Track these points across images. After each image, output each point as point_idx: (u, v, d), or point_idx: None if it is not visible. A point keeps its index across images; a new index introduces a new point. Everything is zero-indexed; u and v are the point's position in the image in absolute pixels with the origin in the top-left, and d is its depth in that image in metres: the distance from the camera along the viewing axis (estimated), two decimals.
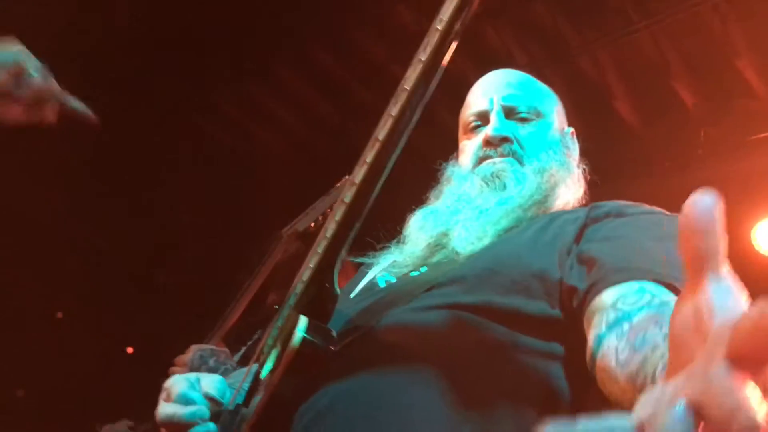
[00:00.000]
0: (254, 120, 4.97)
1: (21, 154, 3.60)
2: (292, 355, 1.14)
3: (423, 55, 1.17)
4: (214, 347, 2.57)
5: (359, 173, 1.23)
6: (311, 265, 1.30)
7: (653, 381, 0.81)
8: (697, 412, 0.50)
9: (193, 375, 1.35)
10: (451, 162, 1.74)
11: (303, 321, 1.17)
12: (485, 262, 1.37)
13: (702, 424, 0.50)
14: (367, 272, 1.62)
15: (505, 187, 1.55)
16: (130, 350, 5.26)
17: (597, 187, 1.71)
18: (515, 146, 1.60)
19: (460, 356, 1.23)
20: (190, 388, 1.30)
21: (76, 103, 1.55)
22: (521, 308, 1.24)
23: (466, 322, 1.25)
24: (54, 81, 1.51)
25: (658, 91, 4.01)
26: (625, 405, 0.93)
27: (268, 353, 1.31)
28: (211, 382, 1.35)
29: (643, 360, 0.86)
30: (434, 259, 1.51)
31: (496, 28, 4.00)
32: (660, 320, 0.92)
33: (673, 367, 0.57)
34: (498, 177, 1.57)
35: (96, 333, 4.89)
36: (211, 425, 1.27)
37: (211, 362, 2.42)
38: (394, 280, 1.51)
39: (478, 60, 3.69)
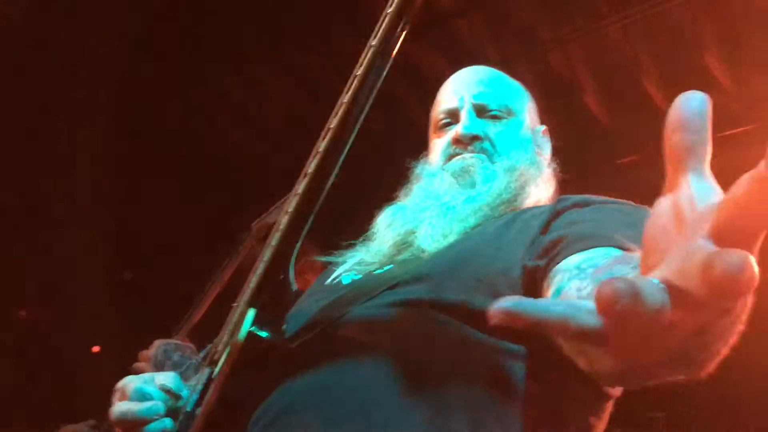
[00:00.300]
0: (227, 114, 4.93)
1: None
2: (238, 350, 1.12)
3: (373, 40, 1.16)
4: (179, 342, 2.52)
5: (311, 163, 1.21)
6: (265, 259, 1.27)
7: None
8: (674, 293, 0.47)
9: (147, 374, 1.32)
10: (421, 160, 1.73)
11: (250, 314, 1.15)
12: (449, 259, 1.36)
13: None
14: (334, 270, 1.61)
15: (474, 183, 1.54)
16: (96, 349, 5.19)
17: (565, 181, 1.70)
18: (486, 144, 1.59)
19: (420, 352, 1.21)
20: (145, 383, 1.26)
21: None
22: (484, 306, 1.22)
23: (427, 319, 1.24)
24: None
25: (628, 87, 4.03)
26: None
27: (222, 351, 1.28)
28: (166, 377, 1.32)
29: None
30: (401, 257, 1.49)
31: (468, 23, 3.99)
32: (627, 260, 0.87)
33: (646, 267, 0.54)
34: (467, 172, 1.56)
35: (61, 331, 4.82)
36: (168, 421, 1.22)
37: (176, 357, 2.37)
38: (359, 278, 1.50)
39: (449, 56, 3.68)
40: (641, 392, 0.82)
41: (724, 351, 0.57)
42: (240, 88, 4.72)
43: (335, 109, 1.21)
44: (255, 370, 1.19)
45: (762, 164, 0.45)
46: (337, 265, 1.63)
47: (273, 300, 1.27)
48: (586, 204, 1.34)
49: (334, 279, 1.56)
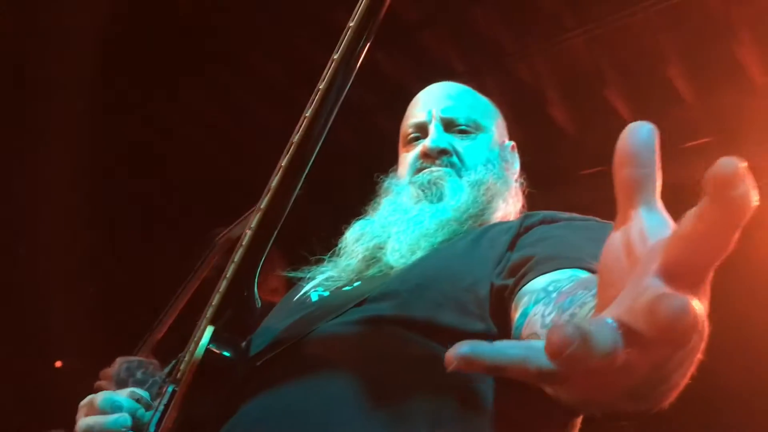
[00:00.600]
0: (188, 124, 4.88)
1: None
2: (195, 367, 1.09)
3: (335, 54, 1.16)
4: (141, 359, 2.48)
5: (274, 178, 1.20)
6: (228, 275, 1.25)
7: None
8: (626, 332, 0.46)
9: (110, 391, 1.31)
10: (390, 174, 1.72)
11: (208, 332, 1.13)
12: (416, 276, 1.34)
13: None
14: (303, 286, 1.59)
15: (441, 197, 1.54)
16: (58, 364, 5.08)
17: (531, 194, 1.71)
18: (453, 158, 1.60)
19: (386, 369, 1.19)
20: (114, 394, 1.26)
21: None
22: (451, 324, 1.22)
23: (393, 336, 1.22)
24: None
25: (592, 98, 4.07)
26: None
27: (185, 370, 1.26)
28: (132, 392, 1.32)
29: (571, 317, 0.81)
30: (369, 273, 1.48)
31: (434, 34, 4.00)
32: (589, 285, 0.87)
33: (602, 301, 0.53)
34: (435, 185, 1.56)
35: (22, 344, 4.71)
36: None
37: (139, 374, 2.32)
38: (327, 295, 1.48)
39: (416, 67, 3.69)
40: None
41: (683, 382, 0.57)
42: (201, 99, 4.68)
43: (298, 123, 1.20)
44: (217, 388, 1.17)
45: (705, 200, 0.45)
46: (305, 280, 1.61)
47: (236, 317, 1.26)
48: (553, 220, 1.35)
49: (302, 295, 1.54)
